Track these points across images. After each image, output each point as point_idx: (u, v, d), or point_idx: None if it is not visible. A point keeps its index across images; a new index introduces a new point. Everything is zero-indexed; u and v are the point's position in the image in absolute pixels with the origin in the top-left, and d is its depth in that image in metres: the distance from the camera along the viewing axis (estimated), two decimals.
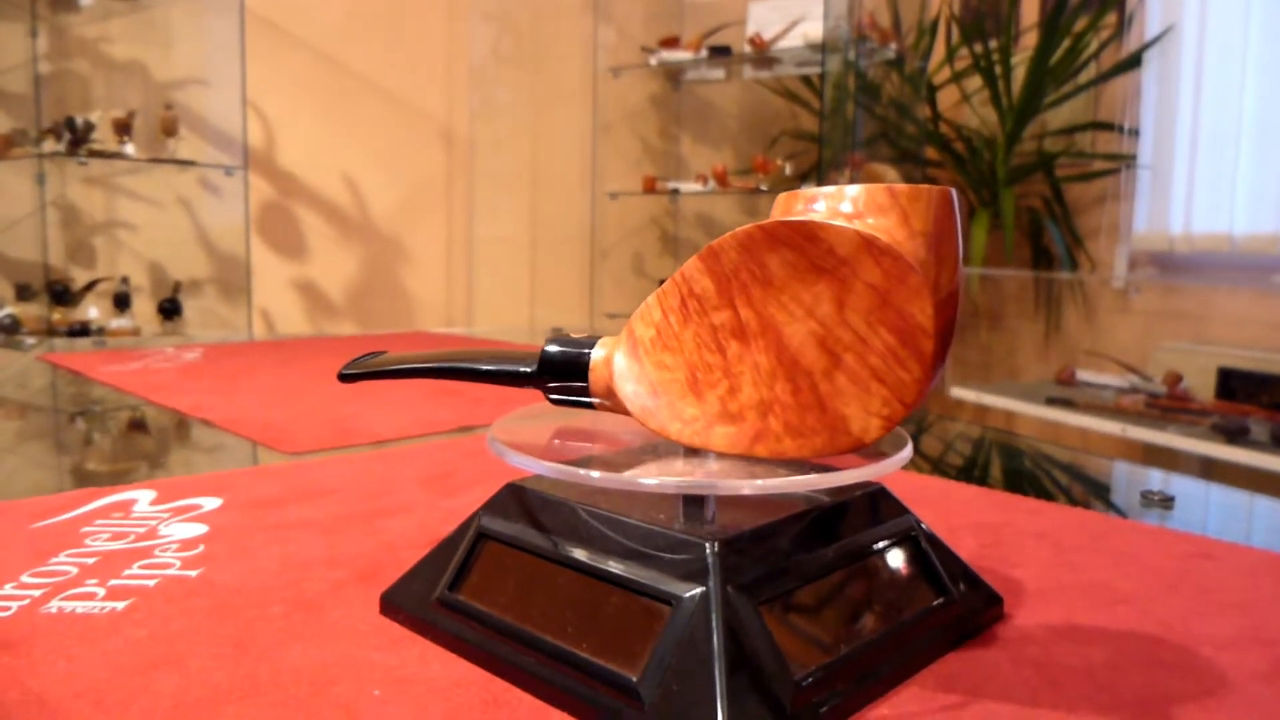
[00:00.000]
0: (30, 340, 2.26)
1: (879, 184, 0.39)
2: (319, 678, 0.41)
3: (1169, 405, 2.28)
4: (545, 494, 0.45)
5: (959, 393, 2.76)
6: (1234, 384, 2.43)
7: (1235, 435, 2.05)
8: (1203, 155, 2.72)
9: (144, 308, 2.58)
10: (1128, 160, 2.88)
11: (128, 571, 0.53)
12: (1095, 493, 0.83)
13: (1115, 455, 1.89)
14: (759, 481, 0.40)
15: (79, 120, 2.35)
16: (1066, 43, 2.89)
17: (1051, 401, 2.40)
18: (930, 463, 0.92)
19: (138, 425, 0.99)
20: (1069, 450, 1.01)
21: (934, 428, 1.17)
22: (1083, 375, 2.72)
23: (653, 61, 3.31)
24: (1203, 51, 2.71)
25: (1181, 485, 0.85)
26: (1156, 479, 0.89)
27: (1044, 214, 3.06)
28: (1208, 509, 0.77)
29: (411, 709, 0.38)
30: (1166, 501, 0.70)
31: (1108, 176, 2.95)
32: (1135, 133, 2.87)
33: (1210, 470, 2.01)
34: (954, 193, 0.40)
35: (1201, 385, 2.47)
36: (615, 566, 0.40)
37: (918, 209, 0.38)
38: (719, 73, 3.46)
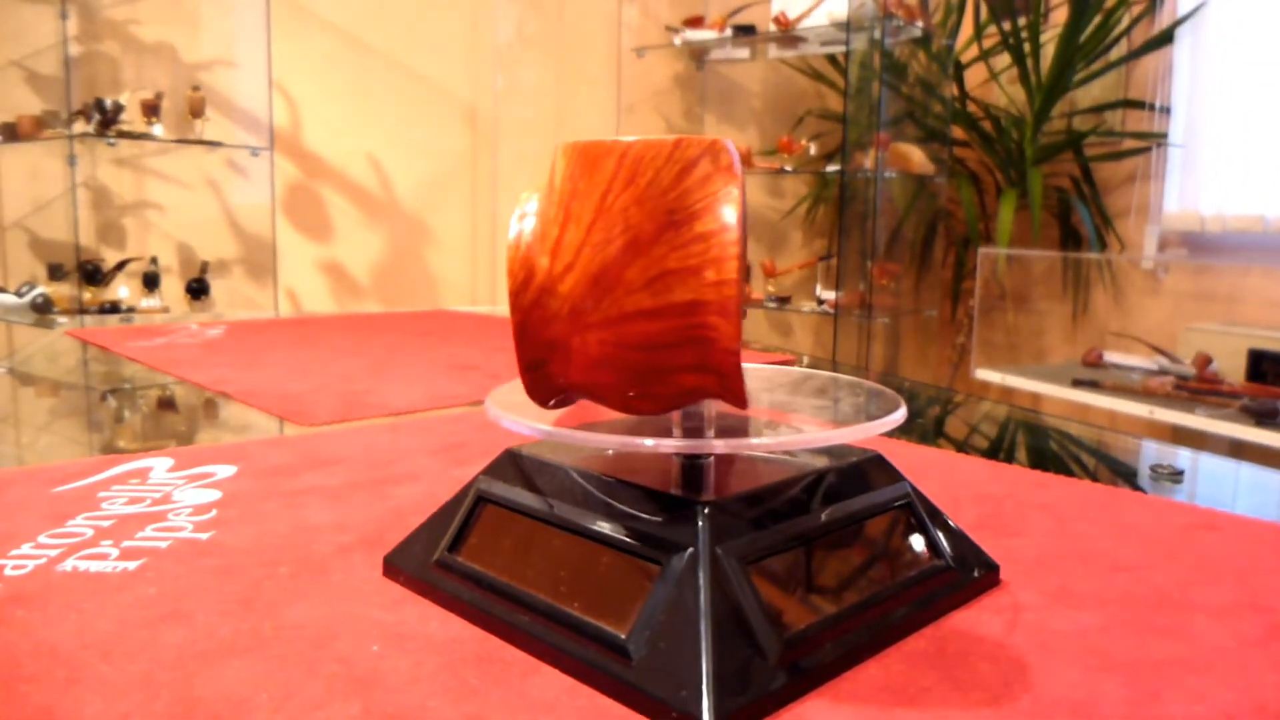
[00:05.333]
0: (62, 319, 2.30)
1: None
2: (321, 633, 0.42)
3: (1198, 387, 2.25)
4: (542, 458, 0.45)
5: (984, 374, 2.74)
6: (1265, 366, 2.40)
7: (1265, 417, 2.03)
8: (1236, 134, 2.67)
9: (172, 287, 2.62)
10: (1158, 139, 2.84)
11: (141, 534, 0.54)
12: (1107, 468, 0.82)
13: (1143, 437, 1.87)
14: (751, 441, 0.40)
15: (108, 102, 2.39)
16: (1097, 19, 2.85)
17: (1078, 383, 2.38)
18: (943, 439, 0.92)
19: (157, 398, 1.01)
20: (1088, 428, 1.01)
21: (957, 408, 1.17)
22: (1110, 357, 2.69)
23: (677, 41, 3.29)
24: (1236, 28, 2.65)
25: (1200, 463, 0.84)
26: (1172, 455, 0.88)
27: (1072, 194, 3.02)
28: (1224, 486, 0.76)
29: (407, 663, 0.39)
30: (1175, 475, 0.70)
31: (1138, 155, 2.91)
32: (1166, 111, 2.82)
33: (1239, 452, 1.99)
34: (602, 145, 0.36)
35: (1232, 367, 2.43)
36: (607, 528, 0.41)
37: (557, 166, 0.38)
38: (744, 52, 3.44)
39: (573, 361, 0.38)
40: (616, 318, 0.36)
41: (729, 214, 0.35)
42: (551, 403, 0.41)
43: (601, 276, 0.36)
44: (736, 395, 0.37)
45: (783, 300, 3.19)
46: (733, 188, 0.35)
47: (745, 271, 0.37)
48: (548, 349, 0.38)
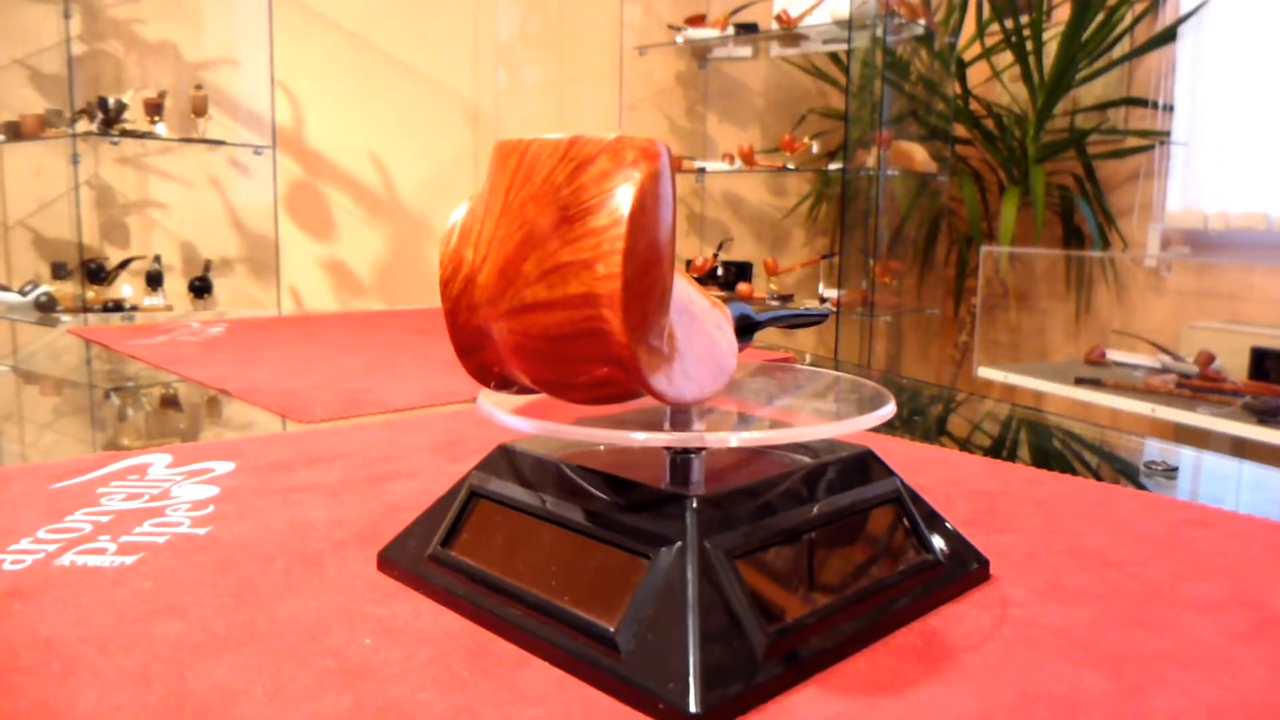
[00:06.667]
0: (65, 318, 2.30)
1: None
2: (314, 627, 0.42)
3: (1201, 385, 2.25)
4: (533, 453, 0.46)
5: (986, 373, 2.74)
6: (1267, 364, 2.39)
7: (1267, 415, 2.02)
8: (1239, 132, 2.67)
9: (176, 286, 2.63)
10: (1161, 137, 2.84)
11: (139, 529, 0.54)
12: (1102, 465, 0.82)
13: (1144, 435, 1.87)
14: (740, 435, 0.40)
15: (111, 100, 2.39)
16: (1100, 17, 2.85)
17: (1080, 382, 2.37)
18: (944, 437, 0.92)
19: (157, 396, 1.02)
20: (1087, 425, 1.01)
21: (958, 406, 1.17)
22: (1113, 355, 2.69)
23: (679, 39, 3.30)
24: (1239, 25, 2.65)
25: (1201, 461, 0.84)
26: (1170, 453, 0.88)
27: (1075, 192, 3.02)
28: (1223, 483, 0.76)
29: (399, 656, 0.39)
30: (1169, 472, 0.70)
31: (1141, 153, 2.91)
32: (1169, 108, 2.82)
33: (1242, 451, 1.99)
34: (514, 142, 0.38)
35: (1234, 365, 2.43)
36: (597, 521, 0.41)
37: (488, 167, 0.39)
38: (746, 50, 3.44)
39: (497, 349, 0.40)
40: (519, 308, 0.37)
41: (622, 209, 0.35)
42: (514, 389, 0.43)
43: (505, 269, 0.37)
44: (648, 388, 0.38)
45: (785, 299, 3.19)
46: (631, 184, 0.36)
47: (663, 265, 0.37)
48: (476, 335, 0.40)
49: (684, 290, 0.44)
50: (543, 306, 0.36)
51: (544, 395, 0.51)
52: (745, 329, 0.49)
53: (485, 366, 0.41)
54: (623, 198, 0.35)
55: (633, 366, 0.36)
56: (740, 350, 0.49)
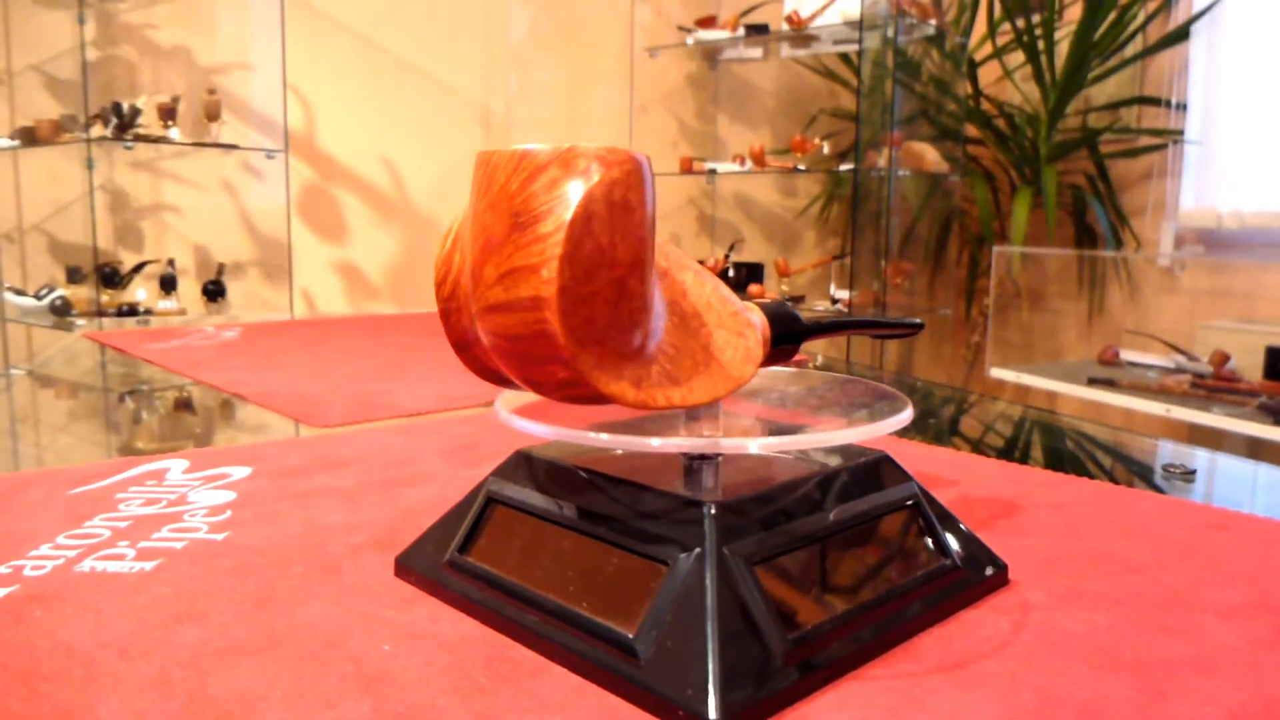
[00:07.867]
0: (80, 322, 2.32)
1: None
2: (333, 633, 0.42)
3: (1215, 385, 2.24)
4: (551, 459, 0.46)
5: (999, 373, 2.73)
6: None
7: None
8: (1253, 130, 2.65)
9: (189, 289, 2.64)
10: (1175, 136, 2.82)
11: (157, 534, 0.55)
12: (1119, 467, 0.82)
13: (1159, 436, 1.86)
14: (758, 441, 0.40)
15: (125, 105, 2.41)
16: (1112, 15, 2.83)
17: (1094, 382, 2.36)
18: (957, 438, 0.92)
19: (174, 400, 1.02)
20: (1104, 428, 1.00)
21: (971, 408, 1.17)
22: (1126, 355, 2.68)
23: (690, 41, 3.29)
24: (1252, 23, 2.63)
25: (1217, 462, 0.84)
26: (1186, 454, 0.88)
27: (1088, 191, 3.00)
28: (1240, 485, 0.76)
29: (418, 662, 0.40)
30: (1188, 475, 0.69)
31: (1154, 152, 2.89)
32: (1182, 107, 2.81)
33: (1257, 451, 1.97)
34: (489, 153, 0.39)
35: (1249, 365, 2.41)
36: (615, 528, 0.41)
37: None
38: (756, 51, 3.44)
39: (482, 346, 0.42)
40: (485, 309, 0.39)
41: (564, 216, 0.37)
42: (516, 386, 0.44)
43: (474, 272, 0.39)
44: (599, 392, 0.38)
45: (796, 300, 3.19)
46: (579, 191, 0.37)
47: (619, 271, 0.38)
48: (465, 334, 0.42)
49: (699, 293, 0.44)
50: (502, 308, 0.38)
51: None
52: (790, 335, 0.48)
53: (479, 361, 0.43)
54: (567, 205, 0.37)
55: (575, 368, 0.38)
56: (789, 357, 0.48)
